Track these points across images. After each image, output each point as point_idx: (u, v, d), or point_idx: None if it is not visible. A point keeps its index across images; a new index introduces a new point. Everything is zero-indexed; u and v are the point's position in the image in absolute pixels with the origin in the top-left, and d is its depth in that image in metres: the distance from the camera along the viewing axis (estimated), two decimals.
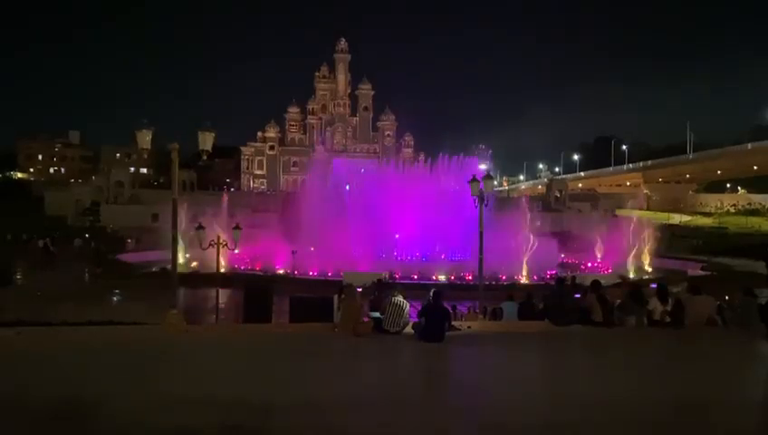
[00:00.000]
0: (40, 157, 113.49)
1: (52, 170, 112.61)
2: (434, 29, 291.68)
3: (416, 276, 36.36)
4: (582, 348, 12.15)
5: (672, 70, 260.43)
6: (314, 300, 16.84)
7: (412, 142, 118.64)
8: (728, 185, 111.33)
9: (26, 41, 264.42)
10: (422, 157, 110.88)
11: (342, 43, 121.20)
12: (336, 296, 13.81)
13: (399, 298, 12.37)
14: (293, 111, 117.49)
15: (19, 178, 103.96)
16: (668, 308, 13.28)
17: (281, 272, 39.05)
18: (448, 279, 35.91)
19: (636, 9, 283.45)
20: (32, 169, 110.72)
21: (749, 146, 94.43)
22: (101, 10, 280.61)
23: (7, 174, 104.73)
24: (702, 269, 44.16)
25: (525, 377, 9.55)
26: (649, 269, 45.01)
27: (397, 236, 42.43)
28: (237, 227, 29.26)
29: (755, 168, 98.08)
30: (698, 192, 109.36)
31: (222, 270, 28.39)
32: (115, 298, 31.26)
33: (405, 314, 12.35)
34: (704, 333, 12.95)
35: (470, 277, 35.01)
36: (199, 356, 10.87)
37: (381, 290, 15.00)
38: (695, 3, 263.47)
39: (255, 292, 18.29)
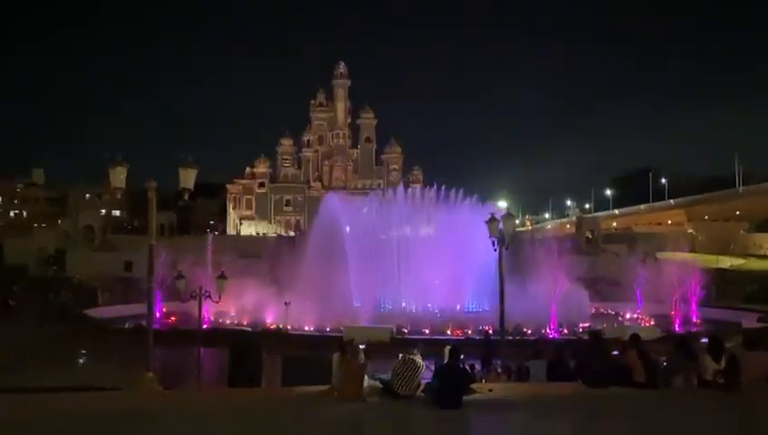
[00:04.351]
0: None
1: (12, 214, 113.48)
2: (442, 52, 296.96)
3: (427, 331, 36.11)
4: (624, 414, 11.92)
5: (713, 94, 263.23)
6: (311, 359, 16.66)
7: (421, 177, 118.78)
8: None
9: None
10: (432, 190, 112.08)
11: (341, 68, 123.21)
12: (336, 355, 13.66)
13: (417, 357, 12.21)
14: (286, 143, 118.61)
15: None
16: (722, 366, 13.06)
17: (272, 327, 38.84)
18: (465, 334, 35.60)
19: (667, 26, 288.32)
20: None
21: None
22: (71, 36, 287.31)
23: None
24: (759, 320, 43.66)
25: None
26: (698, 321, 44.55)
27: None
28: (222, 276, 29.24)
29: None
30: (750, 231, 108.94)
31: (205, 325, 28.24)
32: (83, 360, 31.05)
33: (419, 374, 12.19)
34: (763, 396, 12.70)
35: (490, 331, 34.70)
36: (177, 427, 10.71)
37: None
38: (729, 24, 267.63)
39: (243, 350, 18.09)
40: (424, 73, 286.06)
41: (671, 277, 47.05)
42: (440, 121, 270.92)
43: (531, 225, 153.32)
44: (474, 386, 13.12)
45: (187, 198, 14.22)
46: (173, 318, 43.35)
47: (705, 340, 17.47)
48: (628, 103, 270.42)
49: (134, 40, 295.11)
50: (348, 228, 57.63)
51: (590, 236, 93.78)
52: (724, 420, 11.34)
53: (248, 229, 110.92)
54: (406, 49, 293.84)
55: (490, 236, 20.78)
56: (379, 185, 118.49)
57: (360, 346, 13.96)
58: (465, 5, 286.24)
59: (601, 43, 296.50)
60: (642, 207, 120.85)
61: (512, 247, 21.51)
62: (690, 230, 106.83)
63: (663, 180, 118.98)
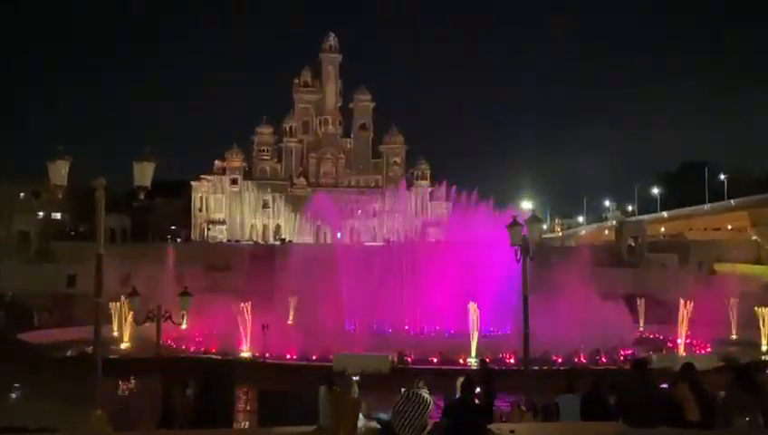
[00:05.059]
0: None
1: None
2: (456, 23, 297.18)
3: (436, 359, 36.13)
4: None
5: None
6: (293, 394, 16.69)
7: (428, 173, 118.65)
8: None
9: None
10: (442, 188, 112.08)
11: (331, 39, 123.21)
12: (323, 389, 13.68)
13: (423, 392, 12.20)
14: (265, 131, 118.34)
15: None
16: None
17: (246, 355, 38.85)
18: (482, 362, 35.62)
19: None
20: None
21: None
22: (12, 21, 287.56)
23: None
24: None
25: None
26: (766, 348, 44.60)
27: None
28: (186, 293, 29.23)
29: None
30: None
31: (164, 353, 28.23)
32: (16, 394, 31.02)
33: (426, 413, 12.18)
34: None
35: (512, 359, 34.74)
36: None
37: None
38: None
39: (210, 383, 18.13)
40: (429, 48, 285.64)
41: (733, 294, 47.10)
42: (451, 106, 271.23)
43: (561, 230, 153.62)
44: (492, 426, 13.13)
45: (143, 197, 14.22)
46: (126, 344, 43.38)
47: None
48: (678, 90, 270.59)
49: (77, 25, 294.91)
50: (339, 235, 57.64)
51: (633, 244, 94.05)
52: None
53: (218, 236, 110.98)
54: (406, 22, 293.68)
55: (512, 245, 20.80)
56: (377, 182, 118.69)
57: (354, 378, 13.97)
58: None
59: (644, 15, 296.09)
60: (699, 208, 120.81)
61: (539, 258, 21.54)
62: (755, 237, 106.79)
63: (722, 177, 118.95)
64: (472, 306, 38.55)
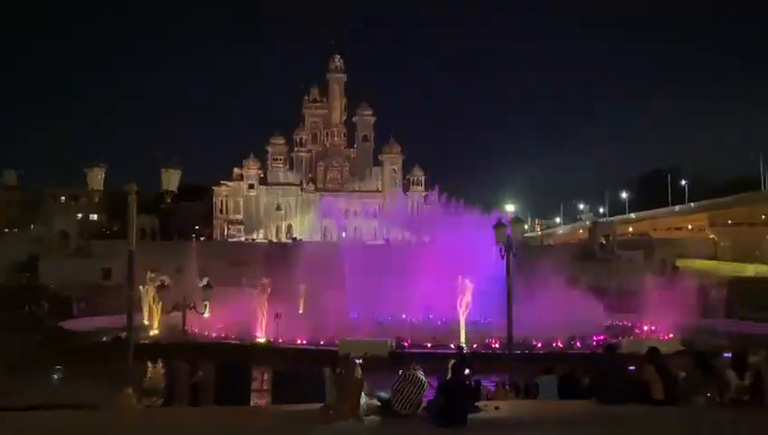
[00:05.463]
0: None
1: None
2: (447, 42, 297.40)
3: (429, 344, 36.10)
4: (641, 434, 11.90)
5: (733, 91, 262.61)
6: (303, 375, 16.67)
7: (423, 179, 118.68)
8: None
9: None
10: (435, 194, 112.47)
11: (337, 61, 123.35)
12: (329, 370, 13.65)
13: (419, 373, 12.19)
14: (278, 142, 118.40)
15: None
16: (746, 382, 13.05)
17: (261, 340, 38.81)
18: (470, 347, 35.59)
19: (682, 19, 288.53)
20: None
21: None
22: (49, 34, 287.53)
23: None
24: None
25: None
26: (721, 334, 44.53)
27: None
28: (208, 286, 29.25)
29: None
30: None
31: (189, 339, 28.21)
32: (56, 375, 30.97)
33: (421, 391, 12.16)
34: None
35: (497, 344, 34.73)
36: None
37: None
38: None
39: (230, 366, 18.16)
40: (426, 69, 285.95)
41: (692, 286, 47.08)
42: (443, 120, 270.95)
43: (541, 230, 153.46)
44: (479, 404, 13.11)
45: (170, 201, 14.20)
46: (155, 331, 43.36)
47: (728, 355, 17.45)
48: (644, 102, 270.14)
49: (115, 39, 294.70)
50: (344, 234, 57.58)
51: (605, 243, 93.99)
52: None
53: (236, 235, 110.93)
54: (407, 43, 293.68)
55: (497, 243, 20.79)
56: (378, 187, 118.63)
57: (357, 361, 13.94)
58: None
59: (615, 30, 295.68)
60: (663, 210, 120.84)
61: (521, 255, 21.52)
62: (712, 236, 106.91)
63: (683, 182, 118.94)
64: (461, 292, 38.56)
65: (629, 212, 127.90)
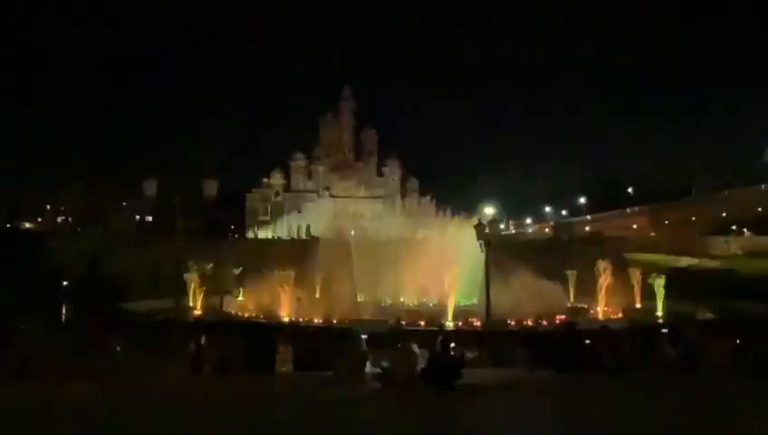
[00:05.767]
0: (48, 207, 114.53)
1: (59, 220, 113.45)
2: (437, 71, 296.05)
3: (423, 323, 36.03)
4: (594, 396, 11.89)
5: (673, 106, 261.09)
6: (318, 349, 16.68)
7: (417, 186, 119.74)
8: (734, 227, 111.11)
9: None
10: (428, 199, 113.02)
11: (347, 92, 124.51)
12: (340, 344, 13.67)
13: (414, 347, 12.21)
14: (298, 157, 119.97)
15: (26, 228, 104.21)
16: (680, 352, 13.07)
17: (285, 320, 38.74)
18: (456, 325, 35.52)
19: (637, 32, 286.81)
20: (39, 219, 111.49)
21: (762, 187, 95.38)
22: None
23: (14, 223, 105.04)
24: (712, 313, 43.58)
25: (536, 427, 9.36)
26: (660, 313, 44.44)
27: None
28: (242, 275, 29.23)
29: (759, 209, 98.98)
30: (705, 234, 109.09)
31: (225, 318, 28.20)
32: (118, 348, 31.00)
33: (416, 362, 12.17)
34: (717, 379, 12.68)
35: (478, 323, 34.68)
36: (205, 406, 10.69)
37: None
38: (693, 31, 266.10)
39: (259, 341, 18.14)
40: (424, 87, 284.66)
41: (636, 275, 47.08)
42: (438, 136, 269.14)
43: (514, 229, 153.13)
44: (464, 371, 13.11)
45: (210, 204, 14.25)
46: (198, 312, 43.35)
47: (665, 330, 17.47)
48: (601, 123, 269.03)
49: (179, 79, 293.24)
50: (353, 232, 57.57)
51: (566, 239, 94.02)
52: (678, 398, 11.30)
53: (265, 233, 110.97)
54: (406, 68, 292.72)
55: (478, 239, 20.81)
56: (381, 194, 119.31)
57: (363, 337, 13.97)
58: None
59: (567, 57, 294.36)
60: (612, 213, 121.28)
61: (497, 249, 21.52)
62: (653, 233, 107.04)
63: (630, 190, 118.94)
64: (449, 280, 38.52)
65: (586, 214, 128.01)
